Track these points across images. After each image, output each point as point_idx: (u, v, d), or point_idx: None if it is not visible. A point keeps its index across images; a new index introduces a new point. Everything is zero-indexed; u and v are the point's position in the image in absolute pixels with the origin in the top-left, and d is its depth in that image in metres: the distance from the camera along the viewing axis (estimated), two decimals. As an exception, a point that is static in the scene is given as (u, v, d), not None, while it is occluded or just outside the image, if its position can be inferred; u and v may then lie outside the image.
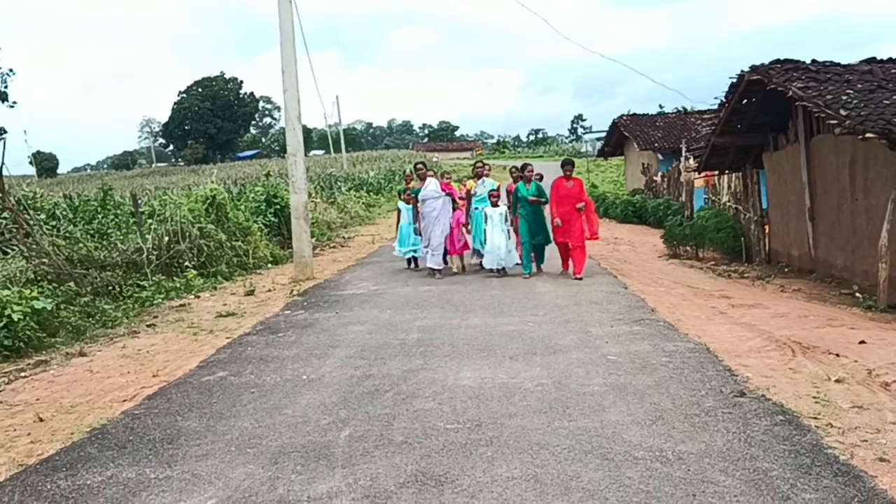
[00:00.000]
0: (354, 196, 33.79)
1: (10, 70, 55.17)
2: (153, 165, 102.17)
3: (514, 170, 12.68)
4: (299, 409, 5.48)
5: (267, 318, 9.51)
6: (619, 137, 32.97)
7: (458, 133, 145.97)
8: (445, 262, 13.05)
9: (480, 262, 12.79)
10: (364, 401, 5.57)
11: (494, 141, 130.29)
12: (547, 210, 12.09)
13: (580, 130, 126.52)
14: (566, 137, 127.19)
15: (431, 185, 12.45)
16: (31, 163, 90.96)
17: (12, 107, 51.21)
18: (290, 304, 10.53)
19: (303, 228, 13.23)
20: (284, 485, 4.06)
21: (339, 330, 8.42)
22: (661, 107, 65.02)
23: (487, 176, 13.37)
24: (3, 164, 12.52)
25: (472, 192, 13.12)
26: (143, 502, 3.95)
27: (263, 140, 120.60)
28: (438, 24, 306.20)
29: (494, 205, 12.00)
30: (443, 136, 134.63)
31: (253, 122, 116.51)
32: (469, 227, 13.11)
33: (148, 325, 9.49)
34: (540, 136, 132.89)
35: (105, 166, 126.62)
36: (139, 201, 15.33)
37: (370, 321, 8.87)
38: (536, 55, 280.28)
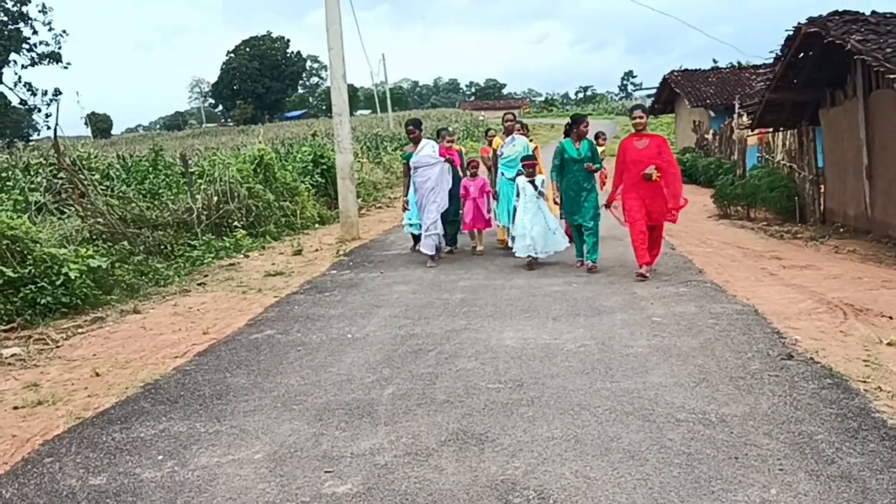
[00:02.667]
0: (400, 156, 33.75)
1: (64, 31, 55.94)
2: (203, 126, 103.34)
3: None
4: (344, 367, 5.57)
5: (314, 277, 9.65)
6: (669, 94, 32.19)
7: (505, 91, 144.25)
8: (454, 243, 11.05)
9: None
10: (407, 360, 5.64)
11: (542, 99, 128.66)
12: (598, 179, 9.69)
13: (630, 87, 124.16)
14: (616, 95, 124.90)
15: (426, 150, 10.10)
16: (86, 124, 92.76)
17: (66, 68, 52.17)
18: (336, 263, 10.65)
19: (348, 188, 13.31)
20: (328, 441, 4.15)
21: (384, 290, 8.50)
22: (714, 61, 63.32)
23: (524, 135, 10.91)
24: (57, 125, 12.78)
25: (499, 152, 10.65)
26: (193, 455, 4.09)
27: (311, 100, 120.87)
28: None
29: (530, 175, 9.29)
30: (490, 95, 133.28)
31: (300, 82, 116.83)
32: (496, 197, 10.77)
33: (198, 284, 9.70)
34: (589, 93, 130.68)
35: (157, 127, 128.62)
36: (189, 162, 15.57)
37: (414, 281, 8.93)
38: (589, 8, 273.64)
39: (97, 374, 5.90)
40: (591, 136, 9.50)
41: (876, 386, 4.51)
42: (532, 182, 9.26)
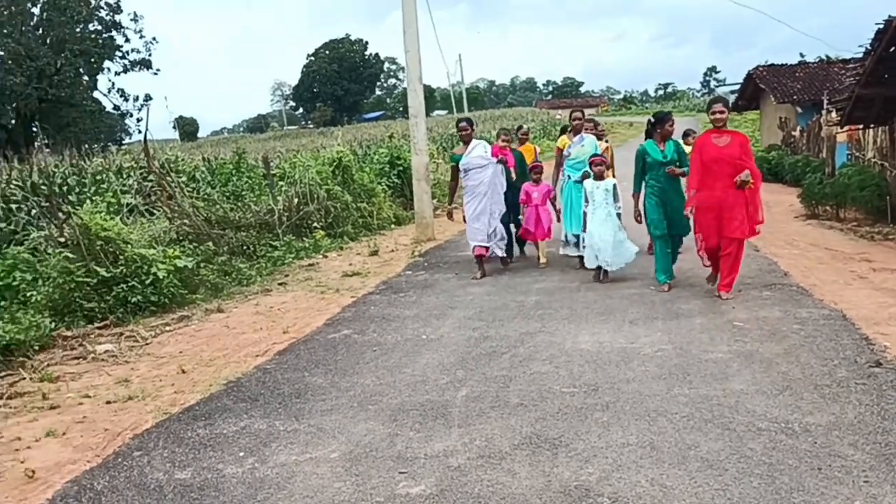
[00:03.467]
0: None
1: (154, 38, 58.29)
2: (284, 128, 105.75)
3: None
4: (418, 368, 5.63)
5: (389, 277, 9.77)
6: (754, 90, 31.21)
7: (582, 89, 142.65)
8: (522, 250, 10.68)
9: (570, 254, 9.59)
10: (481, 362, 5.66)
11: (621, 96, 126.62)
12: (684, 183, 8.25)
13: (713, 83, 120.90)
14: (698, 91, 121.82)
15: (477, 151, 9.19)
16: (174, 127, 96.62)
17: (156, 74, 54.42)
18: (411, 264, 10.75)
19: (424, 190, 13.41)
20: (403, 441, 4.21)
21: (458, 291, 8.54)
22: (801, 56, 60.81)
23: (599, 135, 10.15)
24: (147, 129, 13.34)
25: (565, 152, 9.55)
26: (272, 452, 4.21)
27: (388, 101, 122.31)
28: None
29: (598, 176, 8.39)
30: (567, 93, 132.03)
31: (378, 84, 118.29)
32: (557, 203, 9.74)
33: (279, 284, 9.95)
34: (669, 90, 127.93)
35: (241, 129, 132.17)
36: (270, 164, 15.99)
37: (489, 282, 8.94)
38: (672, 3, 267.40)
39: (183, 371, 6.13)
40: (677, 135, 8.69)
41: (974, 397, 4.28)
42: (601, 178, 8.37)
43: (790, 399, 4.40)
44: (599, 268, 8.41)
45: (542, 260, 9.73)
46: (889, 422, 3.97)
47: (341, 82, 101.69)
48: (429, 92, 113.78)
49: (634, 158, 8.07)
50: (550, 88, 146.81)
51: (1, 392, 5.83)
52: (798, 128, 25.18)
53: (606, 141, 10.99)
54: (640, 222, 8.15)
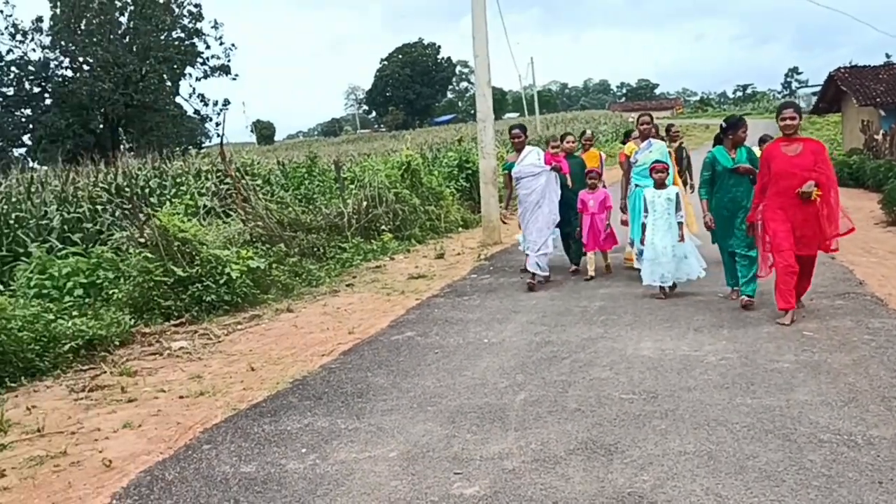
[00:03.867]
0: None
1: (233, 45, 60.15)
2: (357, 132, 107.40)
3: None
4: (479, 371, 5.70)
5: (454, 280, 9.86)
6: (835, 92, 30.20)
7: (657, 91, 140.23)
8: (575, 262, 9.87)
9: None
10: (541, 366, 5.68)
11: (697, 98, 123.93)
12: None
13: (794, 84, 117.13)
14: (778, 93, 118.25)
15: (530, 158, 8.90)
16: (251, 131, 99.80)
17: (234, 79, 56.17)
18: (476, 267, 10.83)
19: (491, 193, 13.46)
20: (459, 443, 4.28)
21: (522, 295, 8.57)
22: (887, 56, 58.40)
23: (674, 137, 10.00)
24: (223, 134, 13.78)
25: (632, 159, 9.09)
26: (333, 449, 4.34)
27: (459, 104, 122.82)
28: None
29: (660, 184, 7.91)
30: (641, 95, 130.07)
31: (450, 87, 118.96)
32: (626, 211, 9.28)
33: (347, 285, 10.17)
34: (748, 91, 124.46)
35: (315, 133, 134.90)
36: (341, 168, 16.31)
37: (553, 287, 8.94)
38: (753, 3, 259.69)
39: (252, 369, 6.35)
40: (751, 140, 8.15)
41: None
42: (663, 186, 7.90)
43: (855, 411, 4.30)
44: (662, 286, 7.87)
45: (591, 272, 9.21)
46: (960, 438, 3.84)
47: (413, 86, 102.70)
48: (500, 95, 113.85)
49: (702, 165, 7.53)
50: (624, 91, 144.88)
51: (83, 385, 6.16)
52: (881, 131, 24.24)
53: (682, 145, 10.88)
54: (710, 228, 7.48)
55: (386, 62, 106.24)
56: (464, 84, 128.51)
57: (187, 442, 4.70)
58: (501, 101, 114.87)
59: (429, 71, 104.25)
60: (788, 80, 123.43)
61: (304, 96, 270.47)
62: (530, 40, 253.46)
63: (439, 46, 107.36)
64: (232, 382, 6.03)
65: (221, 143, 13.59)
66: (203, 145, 52.61)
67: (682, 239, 7.75)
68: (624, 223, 9.33)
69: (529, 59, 58.50)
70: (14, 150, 48.63)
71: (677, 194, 7.91)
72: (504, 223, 9.98)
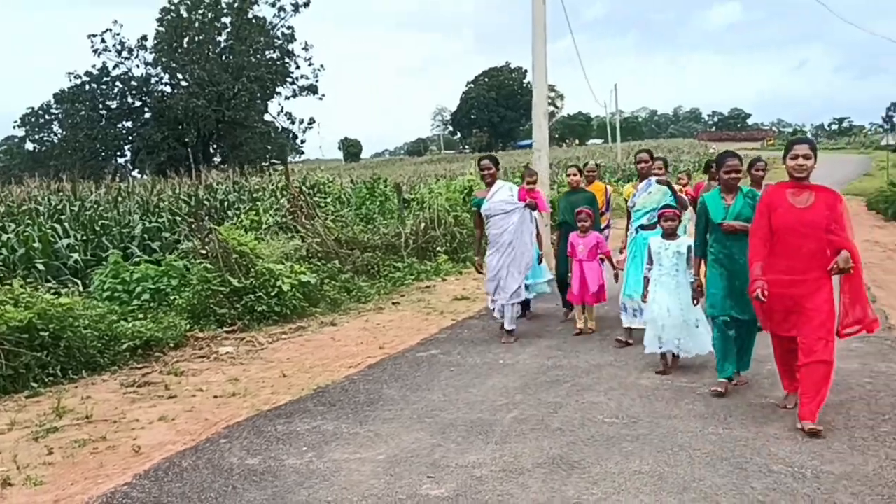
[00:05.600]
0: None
1: (321, 66, 62.37)
2: (441, 152, 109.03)
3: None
4: (483, 389, 6.11)
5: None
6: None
7: (750, 121, 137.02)
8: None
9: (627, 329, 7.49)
10: (541, 388, 6.05)
11: (790, 130, 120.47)
12: None
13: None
14: (879, 126, 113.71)
15: (501, 193, 7.87)
16: (339, 148, 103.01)
17: (321, 99, 58.04)
18: (518, 292, 11.17)
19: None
20: (441, 451, 4.71)
21: (553, 319, 8.90)
22: None
23: (759, 177, 7.88)
24: (287, 155, 14.60)
25: (630, 202, 7.67)
26: (330, 449, 4.84)
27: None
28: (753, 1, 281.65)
29: (668, 234, 6.54)
30: (731, 125, 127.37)
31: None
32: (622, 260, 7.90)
33: (393, 303, 10.70)
34: (844, 125, 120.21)
35: (401, 152, 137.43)
36: (402, 189, 16.96)
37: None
38: (861, 32, 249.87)
39: (284, 376, 6.93)
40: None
41: None
42: (672, 237, 6.52)
43: (818, 447, 4.51)
44: (664, 354, 6.48)
45: (580, 324, 8.06)
46: (906, 477, 4.03)
47: (498, 109, 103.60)
48: (586, 120, 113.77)
49: (697, 215, 6.12)
50: (715, 119, 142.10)
51: (133, 380, 6.87)
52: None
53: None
54: (696, 300, 6.17)
55: (472, 85, 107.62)
56: (550, 108, 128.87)
57: (209, 436, 5.28)
58: (587, 127, 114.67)
59: (514, 94, 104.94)
60: (891, 114, 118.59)
61: (393, 116, 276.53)
62: (625, 64, 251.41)
63: (525, 70, 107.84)
64: (263, 387, 6.61)
65: (286, 164, 14.48)
66: (293, 160, 54.94)
67: (696, 302, 6.23)
68: (616, 266, 8.20)
69: (613, 87, 58.34)
70: (117, 159, 51.87)
71: (689, 247, 6.33)
72: (481, 273, 8.51)
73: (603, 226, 9.42)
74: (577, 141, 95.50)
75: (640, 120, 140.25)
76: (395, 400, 5.93)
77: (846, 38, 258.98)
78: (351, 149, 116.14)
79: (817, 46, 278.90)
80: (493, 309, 8.16)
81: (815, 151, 5.08)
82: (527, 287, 8.42)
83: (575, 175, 8.77)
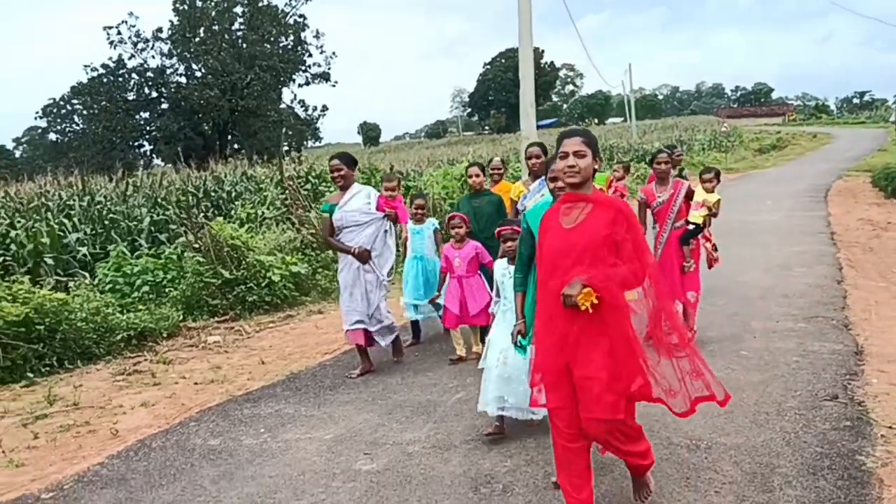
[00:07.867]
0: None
1: (333, 53, 62.93)
2: (461, 134, 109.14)
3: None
4: (440, 373, 6.58)
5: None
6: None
7: (774, 95, 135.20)
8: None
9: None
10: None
11: (814, 104, 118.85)
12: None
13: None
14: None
15: (356, 202, 6.63)
16: (358, 132, 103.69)
17: (333, 86, 58.64)
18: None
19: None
20: (384, 430, 5.20)
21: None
22: None
23: (676, 161, 7.97)
24: (281, 144, 15.04)
25: (520, 205, 6.62)
26: (285, 430, 5.34)
27: (564, 107, 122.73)
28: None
29: (507, 252, 5.13)
30: (754, 100, 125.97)
31: (554, 90, 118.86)
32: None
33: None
34: (866, 98, 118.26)
35: (421, 135, 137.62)
36: (419, 174, 17.39)
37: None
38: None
39: (262, 363, 7.44)
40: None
41: (900, 435, 4.59)
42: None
43: (722, 422, 4.91)
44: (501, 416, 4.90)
45: (460, 351, 6.96)
46: (788, 448, 4.43)
47: (515, 90, 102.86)
48: (604, 99, 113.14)
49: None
50: (739, 94, 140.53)
51: (124, 368, 7.43)
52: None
53: (684, 178, 8.41)
54: (515, 343, 4.32)
55: (489, 66, 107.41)
56: (569, 87, 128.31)
57: (182, 420, 5.81)
58: (605, 106, 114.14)
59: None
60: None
61: (413, 98, 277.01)
62: (648, 41, 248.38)
63: (542, 51, 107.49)
64: (241, 373, 7.13)
65: (280, 156, 14.89)
66: (310, 146, 55.57)
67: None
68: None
69: (627, 66, 57.95)
70: (137, 149, 52.82)
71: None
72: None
73: None
74: (595, 120, 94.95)
75: (659, 98, 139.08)
76: (357, 384, 6.42)
77: (873, 10, 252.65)
78: (370, 133, 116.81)
79: (842, 17, 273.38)
80: (346, 331, 6.87)
81: (594, 146, 3.59)
82: (415, 308, 7.61)
83: (477, 175, 7.39)
